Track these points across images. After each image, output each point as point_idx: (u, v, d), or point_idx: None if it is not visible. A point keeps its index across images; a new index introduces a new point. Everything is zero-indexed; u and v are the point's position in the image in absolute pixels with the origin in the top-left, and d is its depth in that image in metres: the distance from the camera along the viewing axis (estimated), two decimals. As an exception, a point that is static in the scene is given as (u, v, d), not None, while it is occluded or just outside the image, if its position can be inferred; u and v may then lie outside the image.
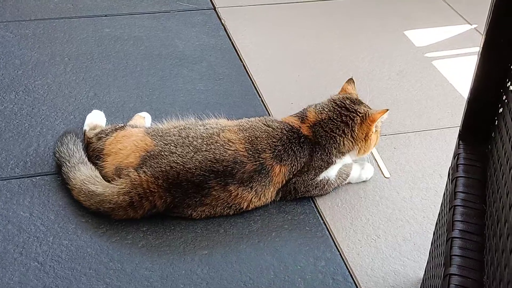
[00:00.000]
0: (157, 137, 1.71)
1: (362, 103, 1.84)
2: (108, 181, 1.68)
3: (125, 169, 1.66)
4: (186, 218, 1.69)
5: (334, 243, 1.67)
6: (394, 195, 1.85)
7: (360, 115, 1.78)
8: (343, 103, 1.80)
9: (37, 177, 1.80)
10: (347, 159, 1.82)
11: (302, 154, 1.73)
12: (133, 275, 1.54)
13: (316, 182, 1.78)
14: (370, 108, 1.83)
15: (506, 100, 1.15)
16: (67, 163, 1.74)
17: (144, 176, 1.63)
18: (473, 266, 1.03)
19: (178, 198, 1.65)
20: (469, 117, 1.27)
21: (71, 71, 2.28)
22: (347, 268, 1.60)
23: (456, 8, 2.91)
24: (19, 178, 1.79)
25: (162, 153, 1.66)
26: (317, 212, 1.77)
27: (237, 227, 1.69)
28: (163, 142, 1.69)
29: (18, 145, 1.91)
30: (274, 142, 1.72)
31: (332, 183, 1.81)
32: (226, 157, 1.65)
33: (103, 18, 2.64)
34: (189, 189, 1.64)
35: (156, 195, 1.64)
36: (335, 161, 1.78)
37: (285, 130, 1.75)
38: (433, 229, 1.45)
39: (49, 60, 2.34)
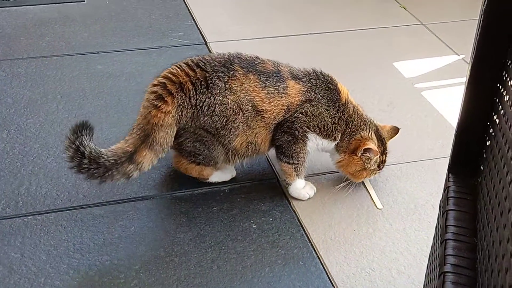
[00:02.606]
0: None
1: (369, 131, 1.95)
2: None
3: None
4: (179, 255, 1.68)
5: (328, 278, 1.66)
6: (387, 226, 1.85)
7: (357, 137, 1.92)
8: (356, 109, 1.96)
9: (29, 217, 1.79)
10: (326, 144, 1.93)
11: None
12: (125, 315, 1.53)
13: (304, 129, 1.87)
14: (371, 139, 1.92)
15: (493, 133, 1.16)
16: None
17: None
18: (466, 301, 1.03)
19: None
20: (457, 150, 1.28)
21: (63, 109, 2.29)
22: (342, 303, 1.59)
23: (444, 39, 2.95)
24: (11, 218, 1.78)
25: None
26: (310, 246, 1.76)
27: (231, 263, 1.68)
28: None
29: (9, 185, 1.91)
30: None
31: (302, 156, 1.90)
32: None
33: (95, 55, 2.66)
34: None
35: None
36: (334, 135, 1.91)
37: None
38: (427, 262, 1.44)
39: (41, 98, 2.35)
